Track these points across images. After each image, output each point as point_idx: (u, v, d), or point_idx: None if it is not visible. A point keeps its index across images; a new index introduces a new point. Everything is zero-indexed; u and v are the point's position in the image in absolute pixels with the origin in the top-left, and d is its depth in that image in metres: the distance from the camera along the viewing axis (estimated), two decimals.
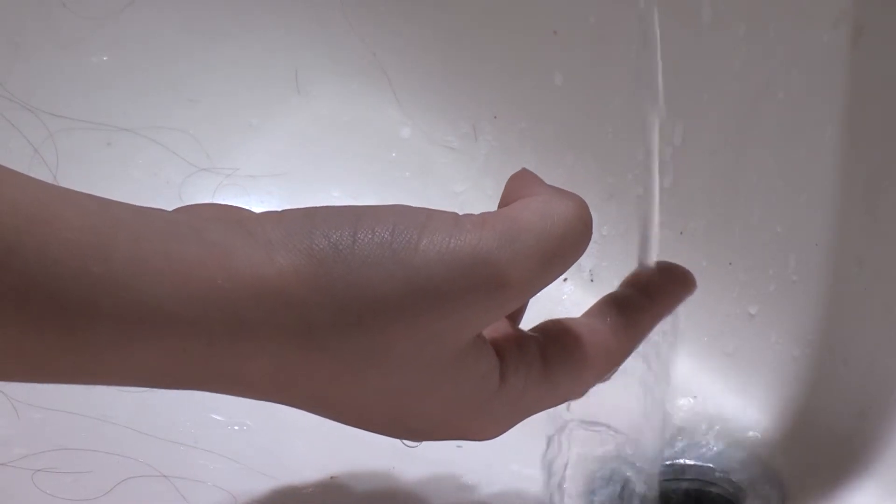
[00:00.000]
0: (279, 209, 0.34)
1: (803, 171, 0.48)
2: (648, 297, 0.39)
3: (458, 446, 0.45)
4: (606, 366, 0.38)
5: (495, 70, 0.57)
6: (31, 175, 0.30)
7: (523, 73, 0.56)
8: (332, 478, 0.45)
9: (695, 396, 0.50)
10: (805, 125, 0.48)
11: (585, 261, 0.54)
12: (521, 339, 0.37)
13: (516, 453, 0.45)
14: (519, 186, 0.36)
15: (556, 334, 0.37)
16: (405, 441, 0.38)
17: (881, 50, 0.45)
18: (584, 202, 0.35)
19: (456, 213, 0.34)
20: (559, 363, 0.37)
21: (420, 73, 0.59)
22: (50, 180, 0.45)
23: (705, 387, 0.50)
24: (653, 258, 0.40)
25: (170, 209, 0.33)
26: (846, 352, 0.47)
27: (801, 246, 0.49)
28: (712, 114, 0.50)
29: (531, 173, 0.37)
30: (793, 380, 0.48)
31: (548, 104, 0.56)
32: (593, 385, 0.38)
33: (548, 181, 0.37)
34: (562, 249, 0.34)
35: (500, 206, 0.36)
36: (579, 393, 0.38)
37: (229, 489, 0.44)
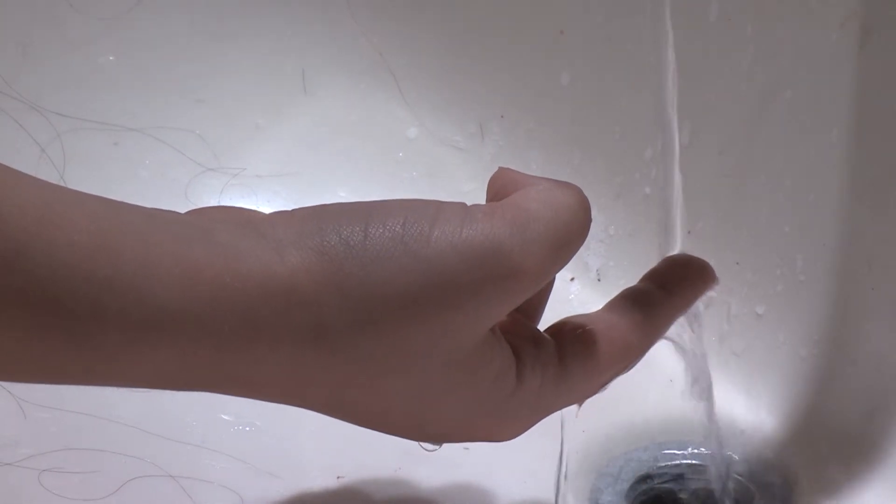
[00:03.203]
0: (287, 209, 0.34)
1: (811, 171, 0.48)
2: (667, 291, 0.39)
3: (465, 448, 0.45)
4: (624, 362, 0.38)
5: (502, 70, 0.57)
6: (38, 175, 0.30)
7: (530, 72, 0.56)
8: (339, 478, 0.45)
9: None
10: (813, 125, 0.48)
11: (593, 260, 0.54)
12: (538, 339, 0.36)
13: (522, 452, 0.45)
14: (507, 183, 0.36)
15: (572, 331, 0.37)
16: (423, 444, 0.38)
17: (889, 50, 0.45)
18: (581, 190, 0.35)
19: (465, 204, 0.33)
20: (576, 361, 0.36)
21: (427, 72, 0.59)
22: (57, 180, 0.45)
23: (713, 386, 0.50)
24: (675, 249, 0.40)
25: (177, 209, 0.33)
26: (854, 352, 0.47)
27: (809, 246, 0.48)
28: (720, 113, 0.50)
29: (512, 169, 0.36)
30: (801, 380, 0.48)
31: (555, 104, 0.56)
32: (611, 381, 0.38)
33: None
34: (569, 236, 0.34)
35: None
36: (597, 390, 0.38)
37: (236, 489, 0.44)
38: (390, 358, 0.32)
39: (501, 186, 0.36)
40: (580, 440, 0.47)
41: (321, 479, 0.45)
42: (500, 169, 0.37)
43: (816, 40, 0.47)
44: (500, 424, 0.36)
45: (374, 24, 0.59)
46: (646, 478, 0.48)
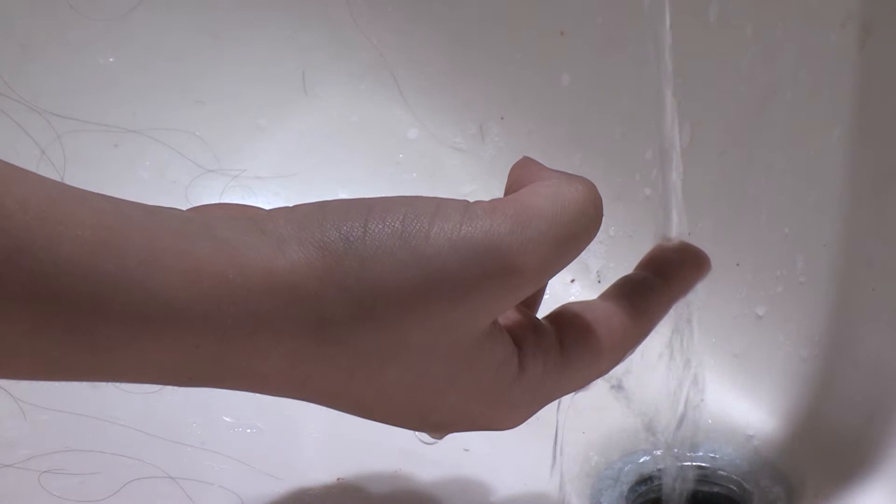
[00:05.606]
0: (288, 206, 0.34)
1: (811, 172, 0.48)
2: (664, 278, 0.39)
3: (465, 449, 0.45)
4: (623, 349, 0.38)
5: (503, 71, 0.57)
6: None
7: (531, 73, 0.56)
8: (338, 480, 0.45)
9: (702, 399, 0.50)
10: (813, 125, 0.48)
11: (593, 262, 0.54)
12: (538, 327, 0.36)
13: (522, 454, 0.45)
14: (523, 174, 0.36)
15: (572, 319, 0.37)
16: (421, 438, 0.38)
17: (889, 50, 0.45)
18: (593, 185, 0.35)
19: (466, 201, 0.34)
20: (576, 348, 0.36)
21: (427, 73, 0.59)
22: None
23: (713, 388, 0.50)
24: (673, 234, 0.40)
25: None
26: (854, 353, 0.47)
27: (810, 246, 0.48)
28: (720, 114, 0.50)
29: (533, 160, 0.36)
30: (801, 381, 0.48)
31: (555, 105, 0.56)
32: (610, 369, 0.38)
33: None
34: (574, 233, 0.34)
35: (505, 195, 0.36)
36: (596, 377, 0.38)
37: (236, 491, 0.44)
38: (391, 351, 0.33)
39: (518, 177, 0.36)
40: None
41: (321, 481, 0.45)
42: (524, 158, 0.37)
43: (817, 41, 0.47)
44: (504, 412, 0.36)
45: (375, 26, 0.59)
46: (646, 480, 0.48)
